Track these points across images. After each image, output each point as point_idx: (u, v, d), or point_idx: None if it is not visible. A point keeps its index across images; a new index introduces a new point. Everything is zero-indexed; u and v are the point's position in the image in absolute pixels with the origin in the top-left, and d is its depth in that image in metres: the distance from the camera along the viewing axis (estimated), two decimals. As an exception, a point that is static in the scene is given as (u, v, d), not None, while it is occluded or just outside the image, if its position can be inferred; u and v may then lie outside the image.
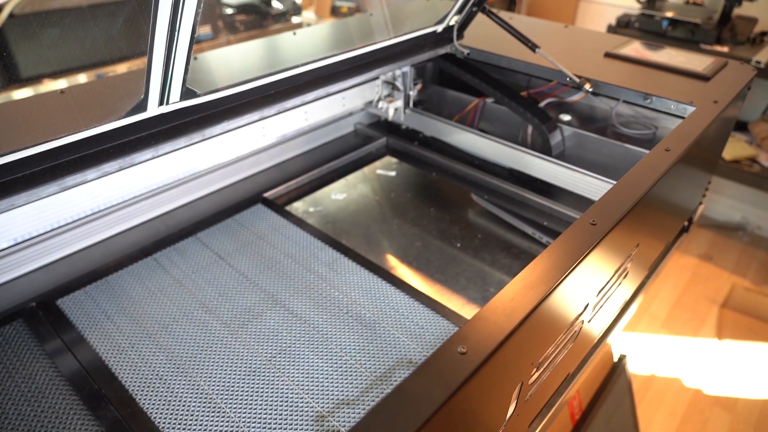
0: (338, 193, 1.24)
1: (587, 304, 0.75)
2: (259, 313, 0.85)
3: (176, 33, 0.73)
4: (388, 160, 1.36)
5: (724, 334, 2.29)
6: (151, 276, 0.92)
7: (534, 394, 0.71)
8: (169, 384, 0.74)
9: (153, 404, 0.71)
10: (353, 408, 0.71)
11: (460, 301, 0.94)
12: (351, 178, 1.29)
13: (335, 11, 3.03)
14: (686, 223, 1.30)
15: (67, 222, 0.91)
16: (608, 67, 1.23)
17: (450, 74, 1.37)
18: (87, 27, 0.86)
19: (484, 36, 1.37)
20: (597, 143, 1.19)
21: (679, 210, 1.13)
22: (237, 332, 0.82)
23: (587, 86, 1.15)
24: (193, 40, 0.76)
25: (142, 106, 0.80)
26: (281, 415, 0.70)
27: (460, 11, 1.24)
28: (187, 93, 0.84)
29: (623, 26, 2.70)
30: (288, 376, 0.75)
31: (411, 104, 1.37)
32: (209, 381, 0.75)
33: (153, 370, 0.76)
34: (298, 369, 0.76)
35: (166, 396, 0.72)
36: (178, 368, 0.76)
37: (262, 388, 0.74)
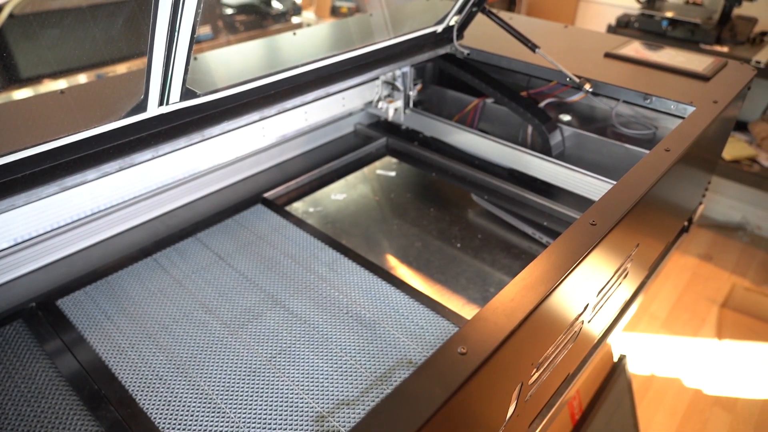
0: (338, 193, 1.24)
1: (587, 305, 0.75)
2: (259, 314, 0.85)
3: (176, 33, 0.73)
4: (388, 160, 1.36)
5: (724, 334, 2.29)
6: (151, 276, 0.92)
7: (534, 394, 0.71)
8: (169, 384, 0.74)
9: (153, 405, 0.71)
10: (353, 408, 0.71)
11: (460, 301, 0.94)
12: (351, 178, 1.29)
13: (335, 11, 3.04)
14: (686, 223, 1.30)
15: (66, 222, 0.91)
16: (608, 68, 1.23)
17: (450, 74, 1.37)
18: (87, 27, 0.86)
19: (484, 36, 1.37)
20: (597, 143, 1.19)
21: (679, 210, 1.13)
22: (237, 332, 0.82)
23: (587, 86, 1.15)
24: (193, 41, 0.76)
25: (142, 107, 0.80)
26: (281, 415, 0.70)
27: (459, 11, 1.24)
28: (187, 93, 0.84)
29: (623, 26, 2.70)
30: (288, 377, 0.75)
31: (411, 104, 1.37)
32: (209, 381, 0.75)
33: (153, 371, 0.76)
34: (298, 369, 0.76)
35: (166, 396, 0.72)
36: (178, 368, 0.76)
37: (262, 388, 0.74)
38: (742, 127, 2.75)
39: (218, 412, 0.70)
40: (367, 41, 1.12)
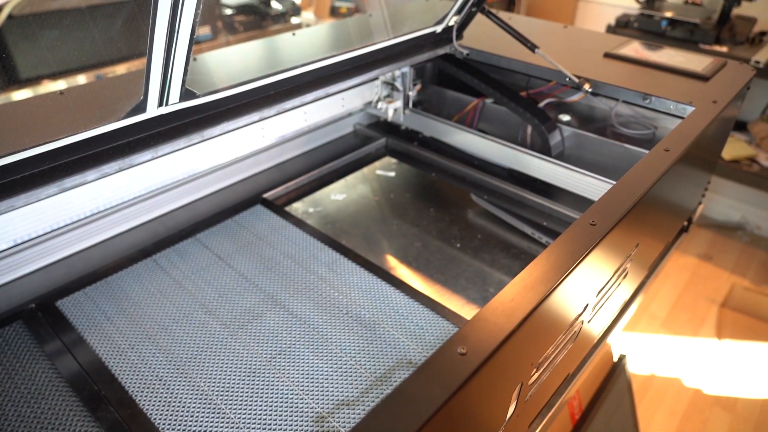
0: (338, 193, 1.24)
1: (587, 305, 0.75)
2: (259, 314, 0.85)
3: (175, 34, 0.73)
4: (388, 160, 1.36)
5: (724, 334, 2.29)
6: (151, 277, 0.92)
7: (534, 394, 0.71)
8: (169, 385, 0.74)
9: (153, 405, 0.71)
10: (353, 409, 0.71)
11: (459, 301, 0.94)
12: (350, 178, 1.29)
13: (334, 12, 3.04)
14: (686, 223, 1.30)
15: (66, 223, 0.91)
16: (607, 68, 1.23)
17: (449, 75, 1.37)
18: (86, 28, 0.86)
19: (483, 36, 1.37)
20: (596, 143, 1.19)
21: (678, 210, 1.13)
22: (237, 333, 0.82)
23: (586, 86, 1.15)
24: (193, 41, 0.76)
25: (141, 107, 0.80)
26: (281, 415, 0.70)
27: (459, 12, 1.24)
28: (186, 94, 0.84)
29: (622, 26, 2.71)
30: (288, 377, 0.75)
31: (410, 105, 1.37)
32: (209, 382, 0.75)
33: (153, 371, 0.76)
34: (297, 370, 0.76)
35: (166, 397, 0.72)
36: (177, 369, 0.76)
37: (262, 389, 0.74)
38: (741, 126, 2.75)
39: (218, 413, 0.70)
40: (366, 42, 1.12)
